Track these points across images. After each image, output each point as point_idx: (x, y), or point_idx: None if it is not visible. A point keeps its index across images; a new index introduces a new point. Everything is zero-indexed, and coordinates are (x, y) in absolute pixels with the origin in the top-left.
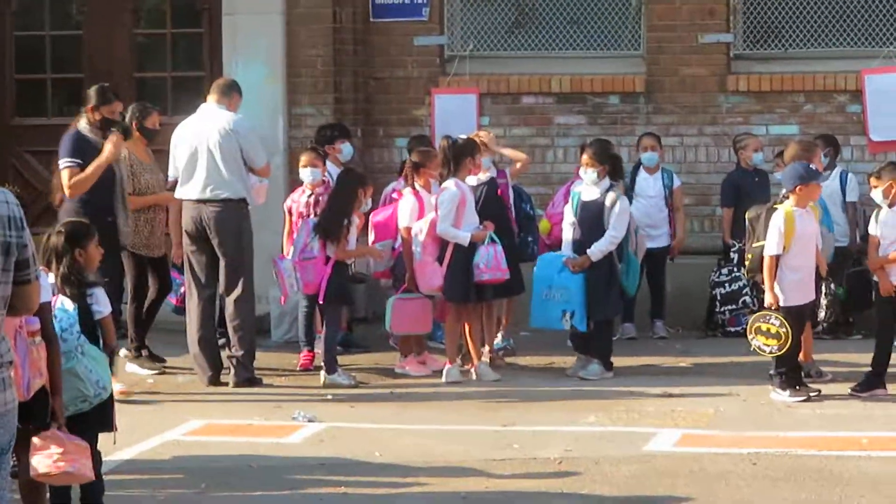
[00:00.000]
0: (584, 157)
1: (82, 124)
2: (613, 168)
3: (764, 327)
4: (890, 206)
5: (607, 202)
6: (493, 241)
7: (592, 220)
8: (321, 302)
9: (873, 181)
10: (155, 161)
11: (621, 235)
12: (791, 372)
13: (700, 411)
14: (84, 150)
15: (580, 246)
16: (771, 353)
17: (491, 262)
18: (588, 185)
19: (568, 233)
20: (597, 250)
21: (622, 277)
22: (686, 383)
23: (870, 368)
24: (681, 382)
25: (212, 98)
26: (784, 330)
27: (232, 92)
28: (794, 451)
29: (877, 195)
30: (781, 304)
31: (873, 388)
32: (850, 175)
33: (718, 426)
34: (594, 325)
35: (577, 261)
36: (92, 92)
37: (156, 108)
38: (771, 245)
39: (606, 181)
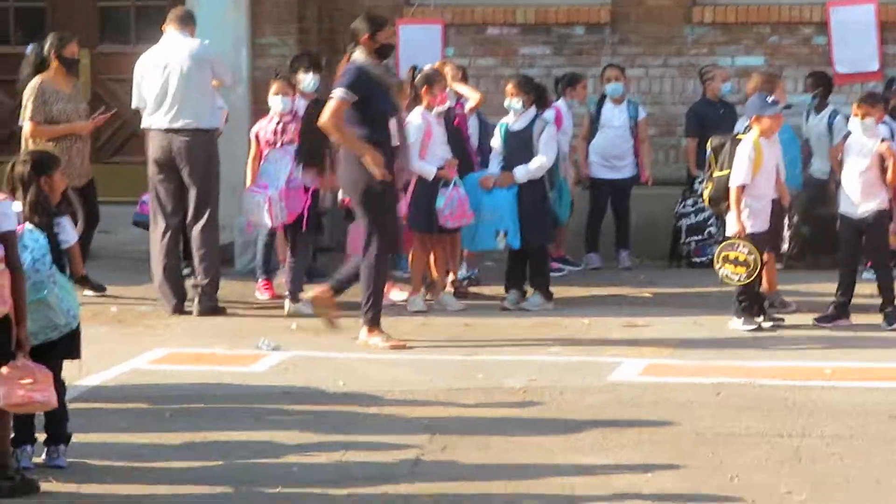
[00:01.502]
0: (509, 87)
1: (359, 56)
2: (539, 97)
3: (732, 255)
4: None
5: (535, 130)
6: (455, 185)
7: (522, 149)
8: (303, 230)
9: (854, 109)
10: (76, 90)
11: (550, 161)
12: (752, 301)
13: (664, 341)
14: (366, 84)
15: None
16: (739, 280)
17: (456, 210)
18: (515, 116)
19: (494, 162)
20: (523, 171)
21: (554, 205)
22: (650, 313)
23: (834, 299)
24: (645, 313)
25: (172, 27)
26: (753, 257)
27: (191, 21)
28: (757, 381)
29: (854, 124)
30: (747, 231)
31: (837, 319)
32: (839, 117)
33: (682, 356)
34: (529, 257)
35: (499, 177)
36: (360, 23)
37: (75, 37)
38: (738, 174)
39: (532, 110)
